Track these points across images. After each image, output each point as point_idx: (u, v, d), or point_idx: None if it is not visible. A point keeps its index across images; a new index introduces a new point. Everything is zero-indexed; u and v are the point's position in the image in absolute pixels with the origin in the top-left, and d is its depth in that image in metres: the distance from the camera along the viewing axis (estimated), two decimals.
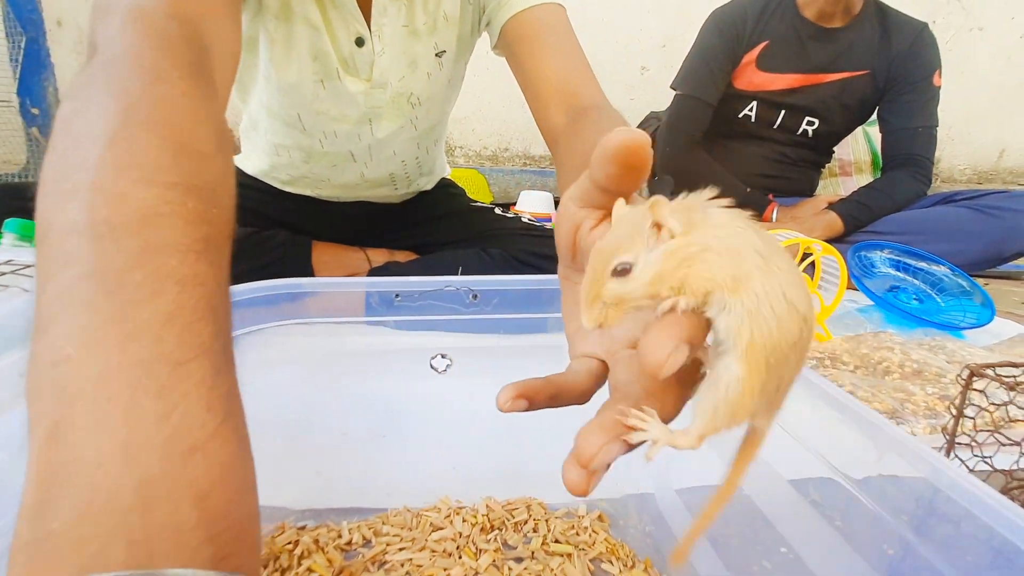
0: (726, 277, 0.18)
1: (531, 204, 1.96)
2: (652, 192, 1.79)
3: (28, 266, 0.36)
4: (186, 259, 0.20)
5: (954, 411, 0.36)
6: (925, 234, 1.07)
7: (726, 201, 0.19)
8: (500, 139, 2.14)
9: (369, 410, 0.47)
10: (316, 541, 0.40)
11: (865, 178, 1.77)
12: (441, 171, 1.01)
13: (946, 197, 1.15)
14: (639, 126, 1.93)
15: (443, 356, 0.40)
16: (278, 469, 0.45)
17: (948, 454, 0.37)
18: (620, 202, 0.21)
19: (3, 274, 0.34)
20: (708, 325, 0.19)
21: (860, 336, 0.75)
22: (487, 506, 0.40)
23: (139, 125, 0.23)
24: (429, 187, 0.98)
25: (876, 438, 0.35)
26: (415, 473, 0.44)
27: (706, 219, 0.19)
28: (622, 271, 0.18)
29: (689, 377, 0.20)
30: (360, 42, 0.66)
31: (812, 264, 0.84)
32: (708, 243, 0.18)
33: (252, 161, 0.92)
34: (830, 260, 0.81)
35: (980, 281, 1.33)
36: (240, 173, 0.95)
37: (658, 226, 0.18)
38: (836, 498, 0.39)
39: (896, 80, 1.19)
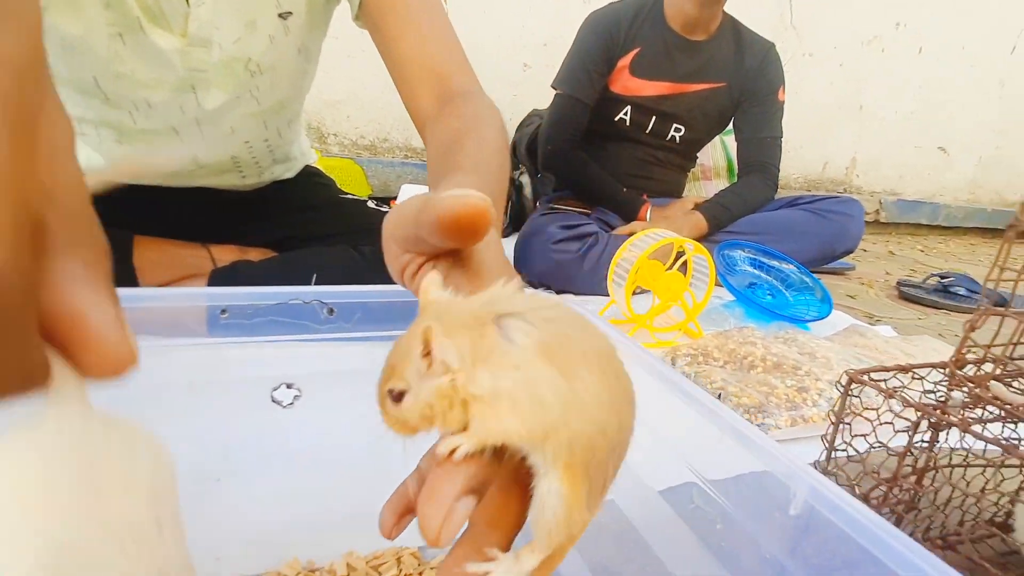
0: (526, 433, 0.15)
1: None
2: (535, 191, 1.80)
3: None
4: None
5: (833, 418, 0.37)
6: (773, 234, 1.18)
7: (520, 294, 0.17)
8: (379, 128, 2.02)
9: (197, 453, 0.37)
10: None
11: (722, 182, 1.94)
12: (304, 158, 0.90)
13: (790, 201, 1.29)
14: (521, 123, 1.93)
15: (288, 386, 0.33)
16: None
17: (828, 459, 0.38)
18: (430, 280, 0.17)
19: None
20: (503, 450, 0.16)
21: (727, 332, 0.79)
22: (347, 564, 0.33)
23: None
24: (288, 175, 0.86)
25: (748, 450, 0.35)
26: (254, 530, 0.36)
27: (499, 345, 0.15)
28: (397, 395, 0.15)
29: (521, 482, 0.17)
30: None
31: (685, 263, 0.87)
32: (500, 388, 0.15)
33: None
34: (700, 259, 0.85)
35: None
36: None
37: (429, 354, 0.15)
38: (710, 507, 0.38)
39: (747, 93, 1.30)
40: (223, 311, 0.31)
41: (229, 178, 0.78)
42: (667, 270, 0.85)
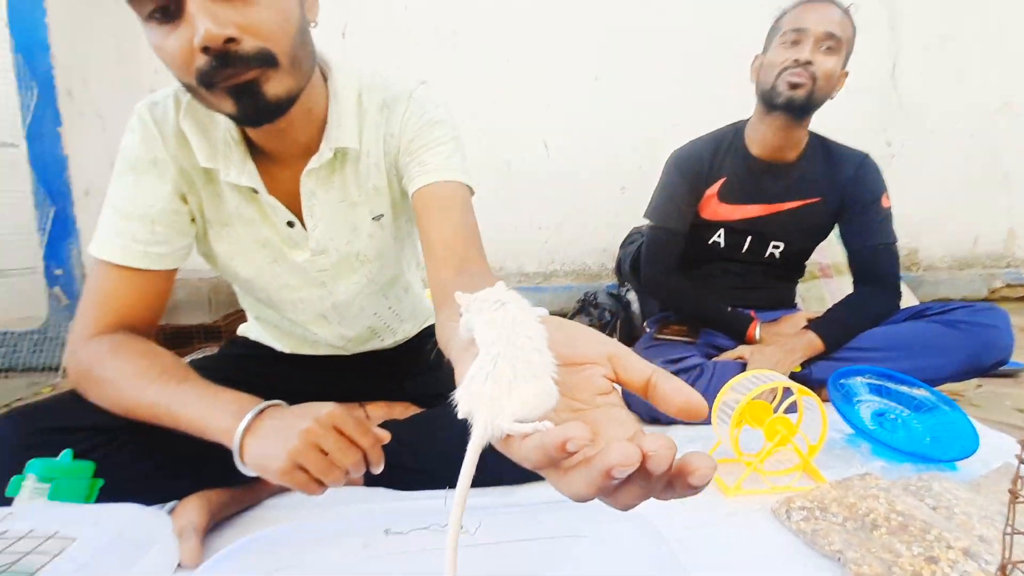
0: None
1: None
2: (643, 308, 1.85)
3: (48, 538, 0.39)
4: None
5: None
6: (900, 350, 1.10)
7: None
8: (494, 260, 2.26)
9: None
10: None
11: (845, 279, 1.84)
12: (427, 316, 1.07)
13: (917, 312, 1.20)
14: (624, 242, 2.04)
15: None
16: None
17: None
18: None
19: (24, 555, 0.37)
20: None
21: (848, 481, 0.76)
22: None
23: None
24: (414, 333, 1.04)
25: None
26: None
27: None
28: None
29: None
30: (291, 224, 0.77)
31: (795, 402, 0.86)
32: None
33: (252, 329, 1.01)
34: (810, 400, 0.85)
35: (975, 382, 1.34)
36: (245, 343, 1.02)
37: None
38: None
39: (847, 204, 1.29)
40: (386, 530, 0.43)
41: (373, 344, 0.99)
42: (774, 412, 0.85)
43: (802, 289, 1.89)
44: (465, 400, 0.28)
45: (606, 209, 2.24)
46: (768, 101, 1.21)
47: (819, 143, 1.32)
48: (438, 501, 0.74)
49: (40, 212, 1.81)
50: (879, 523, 0.66)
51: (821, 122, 1.28)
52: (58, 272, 1.84)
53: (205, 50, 0.56)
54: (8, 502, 0.55)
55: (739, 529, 0.74)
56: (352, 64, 0.78)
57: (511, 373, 0.27)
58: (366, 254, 0.83)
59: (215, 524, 0.76)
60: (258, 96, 0.60)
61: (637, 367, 0.31)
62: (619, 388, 0.33)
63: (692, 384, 1.10)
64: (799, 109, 1.19)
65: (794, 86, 1.16)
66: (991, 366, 1.10)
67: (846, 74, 1.22)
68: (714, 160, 1.33)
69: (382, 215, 0.82)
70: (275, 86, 0.61)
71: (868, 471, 0.80)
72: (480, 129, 2.15)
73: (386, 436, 0.61)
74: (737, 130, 1.35)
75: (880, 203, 1.27)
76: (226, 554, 0.44)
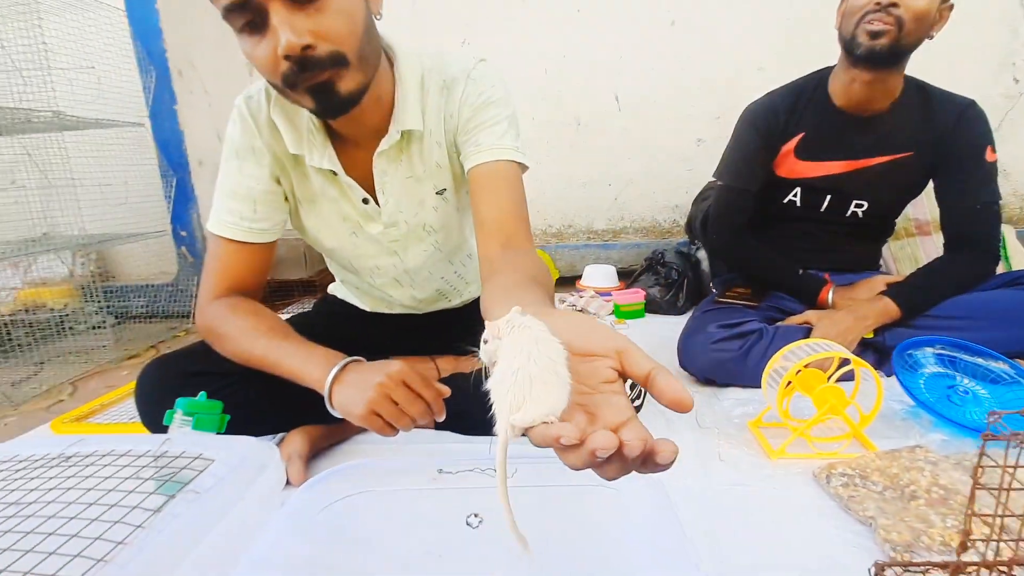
0: None
1: (595, 278, 2.07)
2: (713, 269, 1.82)
3: (195, 458, 0.53)
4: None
5: None
6: (985, 319, 1.03)
7: None
8: (564, 217, 2.29)
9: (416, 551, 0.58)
10: None
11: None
12: None
13: (1013, 278, 1.10)
14: (697, 197, 1.99)
15: (476, 516, 0.52)
16: None
17: None
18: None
19: (180, 470, 0.51)
20: None
21: (896, 452, 0.76)
22: None
23: None
24: (478, 294, 1.13)
25: None
26: None
27: None
28: None
29: None
30: (365, 201, 0.86)
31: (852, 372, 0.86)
32: None
33: (339, 289, 1.15)
34: (867, 371, 0.84)
35: None
36: (334, 301, 1.17)
37: None
38: None
39: (945, 158, 1.17)
40: (440, 470, 0.52)
41: (441, 304, 1.10)
42: (828, 380, 0.86)
43: (894, 248, 1.75)
44: (492, 398, 0.35)
45: (680, 164, 2.17)
46: (849, 53, 1.12)
47: (917, 89, 1.20)
48: (484, 446, 0.86)
49: (165, 182, 2.08)
50: (919, 494, 0.67)
51: (931, 59, 1.13)
52: (183, 234, 2.13)
53: (287, 57, 0.64)
54: (164, 430, 0.72)
55: (777, 490, 0.78)
56: (414, 47, 0.84)
57: (529, 386, 0.34)
58: (432, 225, 0.92)
59: (314, 454, 0.92)
60: (333, 93, 0.68)
61: (640, 362, 0.36)
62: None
63: (749, 349, 1.14)
64: (882, 61, 1.08)
65: (875, 35, 1.05)
66: None
67: (951, 7, 1.08)
68: (792, 114, 1.25)
69: (445, 189, 0.89)
70: (347, 83, 0.69)
71: (922, 444, 0.79)
72: (549, 84, 2.14)
73: (446, 391, 0.70)
74: (820, 79, 1.25)
75: (982, 157, 1.15)
76: (320, 477, 0.56)
